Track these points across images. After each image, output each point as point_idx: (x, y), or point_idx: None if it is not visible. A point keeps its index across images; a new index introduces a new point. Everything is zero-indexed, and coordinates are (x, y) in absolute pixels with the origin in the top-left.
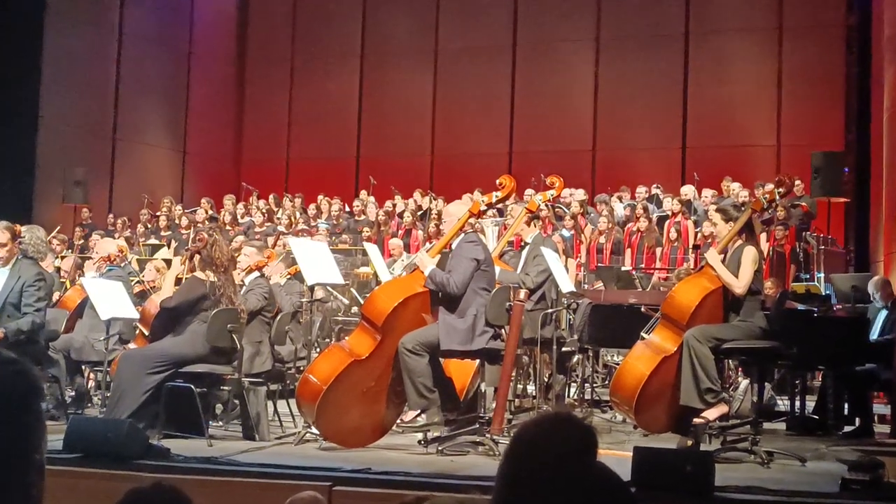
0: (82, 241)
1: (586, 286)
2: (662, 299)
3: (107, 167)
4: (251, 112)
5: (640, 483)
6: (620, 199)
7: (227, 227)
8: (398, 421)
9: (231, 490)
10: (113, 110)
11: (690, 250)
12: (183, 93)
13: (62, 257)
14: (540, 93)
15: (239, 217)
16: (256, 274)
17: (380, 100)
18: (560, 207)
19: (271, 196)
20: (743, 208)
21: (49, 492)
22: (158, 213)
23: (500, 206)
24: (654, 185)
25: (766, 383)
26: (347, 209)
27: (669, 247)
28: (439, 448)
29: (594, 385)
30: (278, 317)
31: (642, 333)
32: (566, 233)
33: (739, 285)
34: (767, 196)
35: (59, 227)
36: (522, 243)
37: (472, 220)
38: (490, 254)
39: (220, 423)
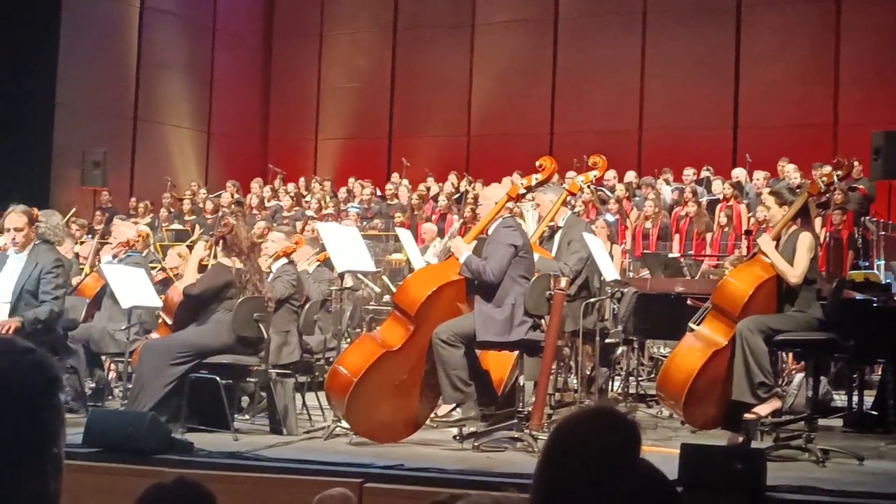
0: (102, 226)
1: (631, 274)
2: (712, 288)
3: (128, 149)
4: (278, 90)
5: (688, 482)
6: (668, 182)
7: (255, 212)
8: (432, 415)
9: (257, 486)
10: (133, 89)
11: (742, 236)
12: (207, 70)
13: (81, 242)
14: (583, 70)
15: (266, 201)
16: (284, 260)
17: (413, 76)
18: (603, 191)
19: (301, 179)
20: (798, 191)
21: (67, 487)
22: (182, 197)
23: (539, 189)
24: (704, 168)
25: (821, 377)
26: (379, 192)
27: (720, 232)
28: (475, 444)
29: (639, 378)
30: (307, 305)
31: (690, 324)
32: (610, 217)
33: (794, 274)
34: (825, 179)
35: (73, 209)
36: (555, 226)
37: (510, 205)
38: (528, 240)
39: (246, 417)
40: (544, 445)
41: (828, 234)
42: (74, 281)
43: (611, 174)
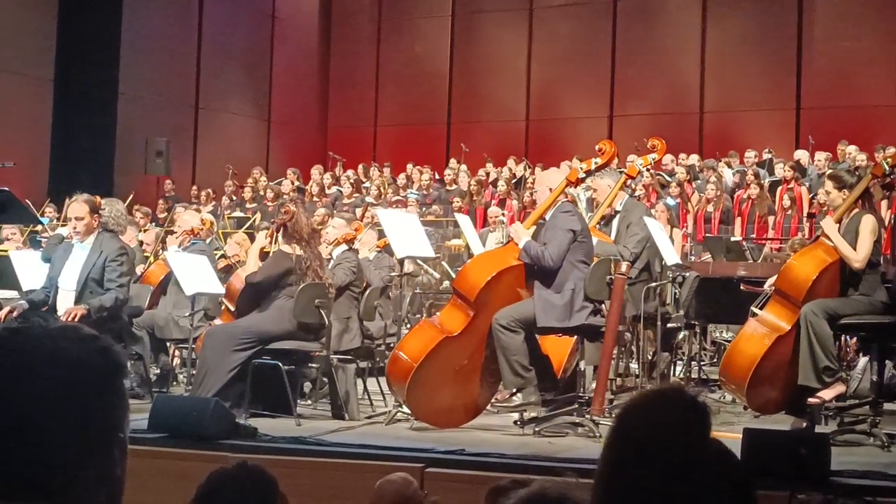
0: (166, 214)
1: (693, 258)
2: (774, 271)
3: (189, 137)
4: (337, 77)
5: (751, 467)
6: (729, 164)
7: (315, 199)
8: (493, 400)
9: (319, 471)
10: (195, 78)
11: (805, 219)
12: (266, 58)
13: (145, 230)
14: (643, 51)
15: (326, 188)
16: (344, 247)
17: (471, 61)
18: (662, 176)
19: (360, 166)
20: (859, 173)
21: (133, 472)
22: (244, 185)
23: (598, 173)
24: (766, 150)
25: (886, 361)
26: (438, 178)
27: (783, 215)
28: (536, 429)
29: (701, 363)
30: (367, 292)
31: (753, 309)
32: (671, 201)
33: (858, 258)
34: (889, 160)
35: (131, 196)
36: (613, 211)
37: (569, 189)
38: (587, 224)
39: (309, 402)
40: (611, 427)
41: (892, 216)
42: (139, 269)
43: (669, 158)
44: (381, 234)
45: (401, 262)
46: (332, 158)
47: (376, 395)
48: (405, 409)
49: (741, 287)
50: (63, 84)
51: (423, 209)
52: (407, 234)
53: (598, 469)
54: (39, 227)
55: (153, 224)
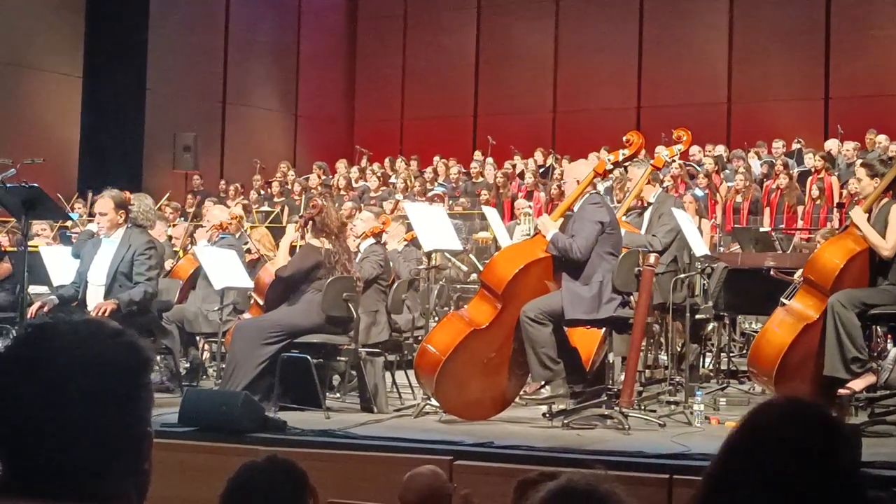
0: (194, 209)
1: (721, 249)
2: (804, 262)
3: (217, 132)
4: (363, 71)
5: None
6: (758, 154)
7: (342, 193)
8: (521, 393)
9: (349, 464)
10: (222, 73)
11: (834, 209)
12: (293, 53)
13: (174, 225)
14: (670, 42)
15: (354, 182)
16: (372, 241)
17: (498, 53)
18: (692, 166)
19: (386, 159)
20: (890, 163)
21: (163, 465)
22: (271, 179)
23: (626, 165)
24: (795, 140)
25: None
26: (464, 171)
27: (812, 205)
28: (565, 421)
29: (731, 354)
30: (395, 285)
31: (782, 299)
32: (699, 192)
33: (887, 247)
34: None
35: (168, 194)
36: (645, 204)
37: (596, 181)
38: (615, 216)
39: (337, 395)
40: (733, 433)
41: None
42: (168, 264)
43: (696, 148)
44: (409, 228)
45: (428, 255)
46: (359, 152)
47: (405, 387)
48: (434, 402)
49: (772, 273)
50: (92, 81)
51: (451, 202)
52: (434, 227)
53: (713, 472)
54: (69, 223)
55: (182, 219)
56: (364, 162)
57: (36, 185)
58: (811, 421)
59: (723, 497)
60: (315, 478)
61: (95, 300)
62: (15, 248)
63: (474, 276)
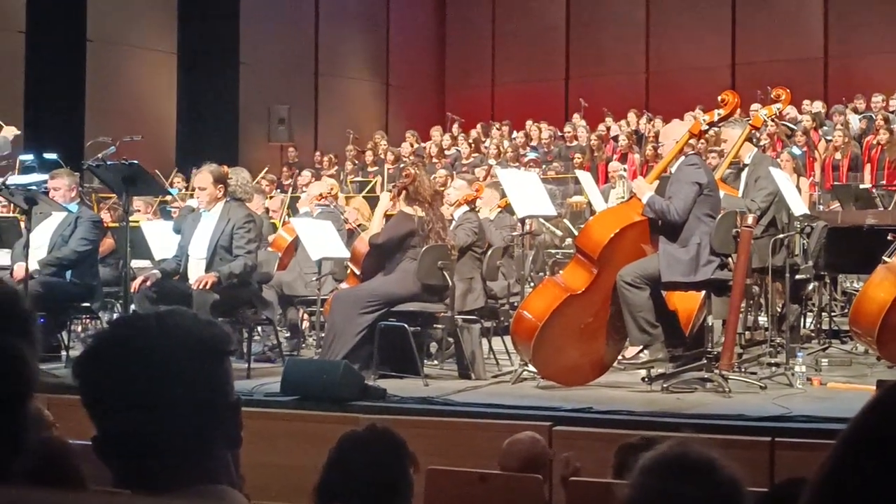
0: (291, 181)
1: (821, 207)
2: None
3: (310, 104)
4: (453, 37)
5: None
6: (856, 110)
7: (434, 160)
8: (619, 357)
9: (448, 431)
10: (313, 45)
11: None
12: (383, 22)
13: (270, 198)
14: None
15: (446, 149)
16: (465, 208)
17: (588, 14)
18: (787, 125)
19: (478, 125)
20: None
21: (266, 434)
22: (365, 149)
23: (722, 125)
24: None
25: None
26: (559, 134)
27: None
28: (664, 385)
29: (832, 314)
30: (489, 252)
31: (884, 257)
32: (797, 150)
33: None
34: None
35: (266, 168)
36: (742, 164)
37: (692, 142)
38: (713, 177)
39: (435, 362)
40: (860, 414)
41: None
42: (268, 236)
43: (793, 107)
44: (503, 194)
45: (522, 221)
46: (451, 119)
47: (502, 354)
48: (531, 368)
49: (889, 237)
50: (186, 57)
51: (544, 166)
52: (528, 192)
53: (837, 456)
54: (169, 198)
55: (278, 191)
56: (455, 129)
57: (135, 161)
58: None
59: (845, 488)
60: (414, 445)
61: (196, 273)
62: (117, 224)
63: (569, 240)
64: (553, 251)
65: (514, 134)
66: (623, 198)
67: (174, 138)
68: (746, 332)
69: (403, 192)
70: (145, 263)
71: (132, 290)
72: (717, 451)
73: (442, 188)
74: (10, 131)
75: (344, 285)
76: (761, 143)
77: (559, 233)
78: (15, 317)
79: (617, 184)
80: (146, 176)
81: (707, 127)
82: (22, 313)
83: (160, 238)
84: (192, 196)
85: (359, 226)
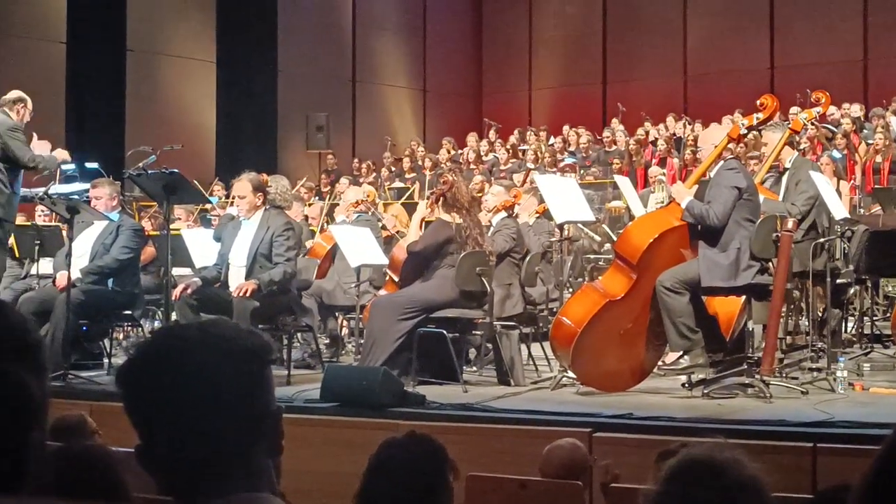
0: (329, 188)
1: (862, 211)
2: None
3: (348, 111)
4: (490, 43)
5: None
6: None
7: (472, 166)
8: (659, 363)
9: (487, 437)
10: (351, 52)
11: None
12: (419, 29)
13: (309, 205)
14: (802, 1)
15: (484, 155)
16: (504, 214)
17: (625, 18)
18: (828, 128)
19: (515, 131)
20: None
21: (306, 440)
22: (402, 156)
23: (761, 128)
24: None
25: None
26: (597, 138)
27: None
28: (705, 391)
29: (874, 318)
30: (528, 258)
31: None
32: (837, 154)
33: None
34: None
35: (306, 178)
36: (782, 168)
37: (731, 146)
38: (753, 181)
39: (474, 369)
40: None
41: None
42: (307, 243)
43: (833, 108)
44: (541, 200)
45: (560, 226)
46: (487, 125)
47: (541, 360)
48: (570, 374)
49: None
50: (225, 66)
51: (582, 171)
52: (566, 198)
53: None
54: (209, 206)
55: (317, 198)
56: (493, 134)
57: (176, 170)
58: None
59: (890, 494)
60: (454, 452)
61: (237, 281)
62: (158, 233)
63: (608, 246)
64: (592, 256)
65: (552, 139)
66: (662, 202)
67: (214, 147)
68: (787, 337)
69: (441, 198)
70: (186, 271)
71: (173, 298)
72: (751, 457)
73: (479, 194)
74: (62, 154)
75: (382, 292)
76: (801, 146)
77: (598, 238)
78: (23, 348)
79: (656, 188)
80: (186, 184)
81: (746, 131)
82: (30, 343)
83: (200, 246)
84: (231, 204)
85: (397, 232)
